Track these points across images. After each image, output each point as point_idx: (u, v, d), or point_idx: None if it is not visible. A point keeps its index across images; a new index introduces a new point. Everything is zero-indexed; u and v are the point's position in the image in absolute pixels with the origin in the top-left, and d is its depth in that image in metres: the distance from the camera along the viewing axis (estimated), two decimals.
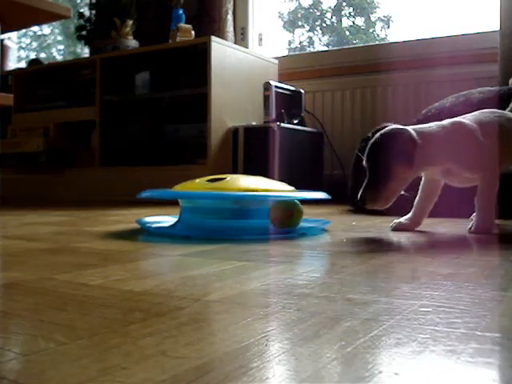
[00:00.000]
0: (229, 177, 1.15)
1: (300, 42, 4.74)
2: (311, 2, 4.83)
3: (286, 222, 1.07)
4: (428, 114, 2.17)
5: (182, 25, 2.66)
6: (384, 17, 4.45)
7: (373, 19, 4.54)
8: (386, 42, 3.04)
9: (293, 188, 1.22)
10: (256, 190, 1.11)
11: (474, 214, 1.17)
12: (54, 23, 5.29)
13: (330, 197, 1.22)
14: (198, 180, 1.18)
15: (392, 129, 1.05)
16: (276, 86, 2.45)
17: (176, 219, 1.16)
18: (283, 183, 1.25)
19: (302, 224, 1.23)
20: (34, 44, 6.20)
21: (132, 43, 2.87)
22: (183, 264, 0.73)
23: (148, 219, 1.23)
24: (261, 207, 1.13)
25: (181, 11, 2.77)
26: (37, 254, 0.81)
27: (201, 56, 2.43)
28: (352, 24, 4.63)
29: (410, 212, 1.19)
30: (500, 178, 1.15)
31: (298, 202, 1.10)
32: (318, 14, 4.72)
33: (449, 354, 0.35)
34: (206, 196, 1.13)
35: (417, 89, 2.54)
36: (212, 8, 2.88)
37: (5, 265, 0.75)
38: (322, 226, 1.20)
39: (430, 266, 0.68)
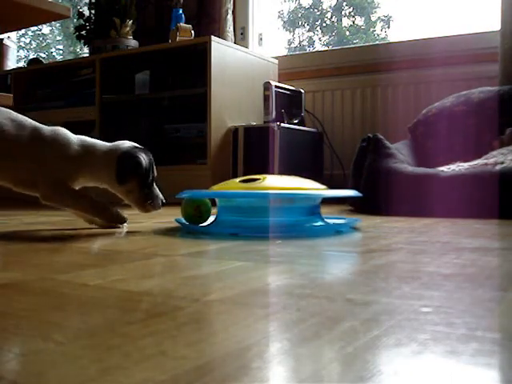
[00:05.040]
0: (262, 177, 1.18)
1: (300, 42, 4.75)
2: (311, 2, 4.84)
3: (194, 218, 1.15)
4: (428, 114, 2.17)
5: (182, 25, 2.66)
6: (384, 17, 4.45)
7: (373, 19, 4.54)
8: (386, 41, 3.04)
9: (325, 186, 1.24)
10: (293, 189, 1.14)
11: None
12: (53, 23, 5.29)
13: (361, 194, 1.22)
14: (231, 181, 1.23)
15: None
16: (276, 86, 2.45)
17: (213, 218, 1.19)
18: (314, 182, 1.27)
19: (333, 221, 1.24)
20: (34, 44, 6.20)
21: (132, 43, 2.87)
22: (183, 264, 0.73)
23: None
24: (294, 205, 1.16)
25: (180, 11, 2.77)
26: (37, 254, 0.81)
27: (201, 56, 2.43)
28: (352, 24, 4.63)
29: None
30: (500, 178, 1.15)
31: (207, 201, 1.17)
32: (318, 13, 4.72)
33: (449, 355, 0.34)
34: (251, 195, 1.15)
35: (417, 89, 2.54)
36: (212, 8, 2.87)
37: (5, 265, 0.75)
38: (352, 223, 1.21)
39: (430, 266, 0.68)
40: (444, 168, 1.69)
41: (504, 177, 1.48)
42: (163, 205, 1.18)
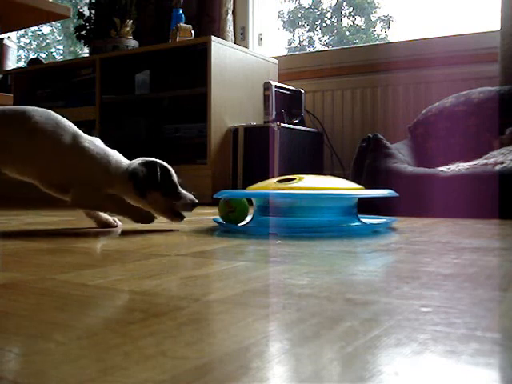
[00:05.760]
0: (298, 177, 1.19)
1: (300, 42, 4.75)
2: (311, 2, 4.84)
3: (228, 217, 1.17)
4: (428, 114, 2.17)
5: (182, 25, 2.66)
6: (384, 17, 4.45)
7: (373, 19, 4.54)
8: (386, 41, 3.04)
9: (361, 186, 1.25)
10: (330, 189, 1.14)
11: None
12: (53, 23, 5.29)
13: (397, 194, 1.22)
14: (268, 181, 1.24)
15: None
16: (276, 86, 2.45)
17: (250, 218, 1.20)
18: (349, 181, 1.27)
19: (370, 221, 1.24)
20: (34, 44, 6.20)
21: (132, 43, 2.87)
22: (183, 264, 0.73)
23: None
24: (331, 205, 1.18)
25: (180, 11, 2.77)
26: (37, 254, 0.81)
27: (201, 56, 2.43)
28: (352, 24, 4.63)
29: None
30: (500, 178, 1.15)
31: (243, 200, 1.18)
32: (318, 13, 4.72)
33: (449, 355, 0.34)
34: (290, 196, 1.15)
35: (417, 89, 2.54)
36: (212, 8, 2.87)
37: (5, 265, 0.75)
38: (389, 223, 1.21)
39: (430, 266, 0.68)
40: (444, 168, 1.69)
41: (504, 177, 1.48)
42: (195, 206, 1.19)
